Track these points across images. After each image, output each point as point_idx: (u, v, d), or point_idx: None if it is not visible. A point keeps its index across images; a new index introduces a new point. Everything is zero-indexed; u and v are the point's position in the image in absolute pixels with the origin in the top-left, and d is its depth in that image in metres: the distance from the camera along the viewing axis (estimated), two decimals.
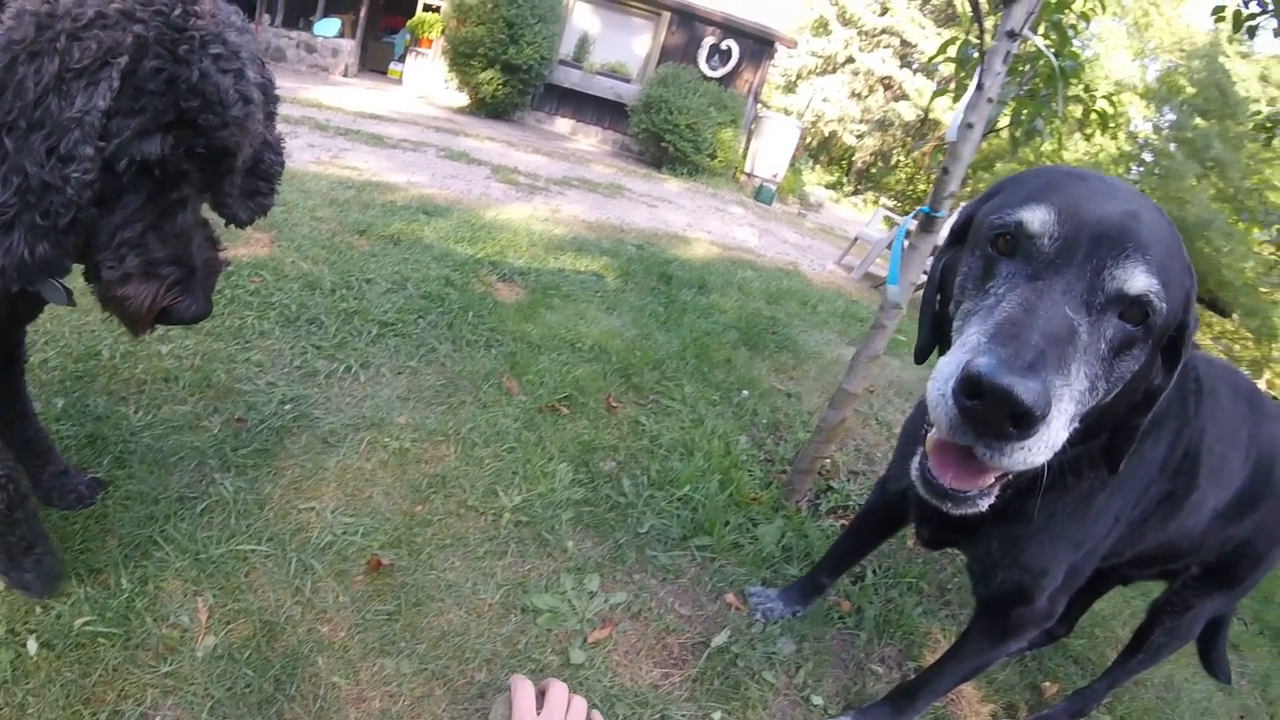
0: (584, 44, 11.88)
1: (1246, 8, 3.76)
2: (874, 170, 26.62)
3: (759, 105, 13.73)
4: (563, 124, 12.35)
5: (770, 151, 11.76)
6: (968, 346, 0.84)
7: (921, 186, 25.01)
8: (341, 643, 1.49)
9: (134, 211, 0.90)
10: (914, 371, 4.07)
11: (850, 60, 23.47)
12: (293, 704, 1.35)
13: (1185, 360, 1.00)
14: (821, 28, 23.63)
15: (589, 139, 12.30)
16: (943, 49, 2.34)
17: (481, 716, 1.43)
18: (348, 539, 1.72)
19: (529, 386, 2.54)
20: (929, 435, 0.94)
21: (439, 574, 1.71)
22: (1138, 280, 0.86)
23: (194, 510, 1.66)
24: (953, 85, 2.49)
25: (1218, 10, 3.96)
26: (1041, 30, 2.16)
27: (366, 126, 6.72)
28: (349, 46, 11.88)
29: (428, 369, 2.49)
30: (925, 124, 22.50)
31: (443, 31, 10.91)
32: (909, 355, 4.27)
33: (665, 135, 10.27)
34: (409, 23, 11.96)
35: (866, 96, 23.96)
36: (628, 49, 12.00)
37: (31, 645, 1.30)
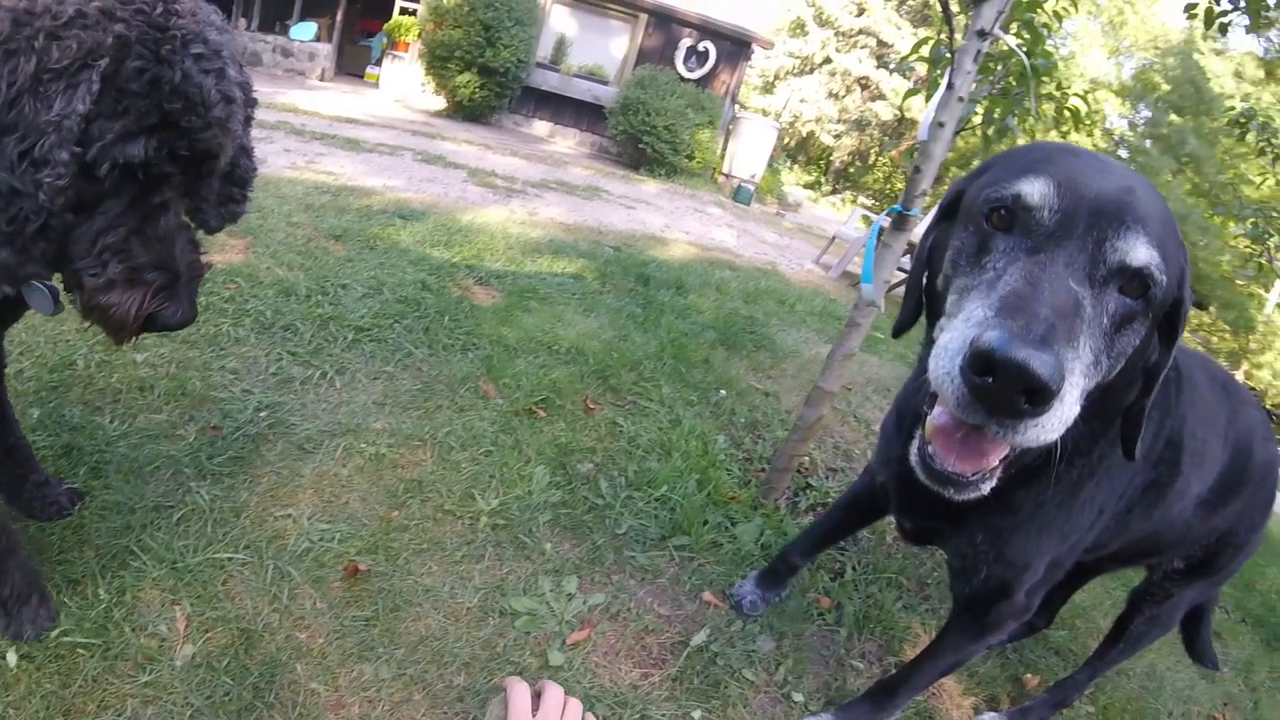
0: (561, 46, 11.88)
1: (1218, 5, 3.79)
2: (852, 170, 26.85)
3: (736, 106, 13.80)
4: (540, 126, 12.33)
5: (748, 152, 11.80)
6: (973, 321, 0.80)
7: (899, 185, 25.23)
8: (320, 649, 1.48)
9: (116, 216, 0.88)
10: (891, 368, 4.12)
11: (827, 61, 23.67)
12: (272, 711, 1.34)
13: (1180, 338, 1.00)
14: (799, 29, 23.83)
15: (567, 141, 12.29)
16: (916, 49, 2.36)
17: (462, 719, 1.44)
18: (325, 545, 1.71)
19: (506, 390, 2.54)
20: (929, 418, 0.91)
21: (416, 579, 1.71)
22: (1140, 253, 0.85)
23: (170, 519, 1.65)
24: (925, 85, 2.53)
25: (1190, 7, 3.99)
26: (1014, 29, 2.19)
27: (343, 131, 6.67)
28: (325, 50, 11.80)
29: (404, 374, 2.48)
30: (902, 123, 22.73)
31: (419, 35, 10.87)
32: (886, 352, 4.36)
33: (643, 137, 10.29)
34: (386, 26, 11.92)
35: (844, 96, 24.17)
36: (605, 51, 12.02)
37: (11, 657, 1.29)
